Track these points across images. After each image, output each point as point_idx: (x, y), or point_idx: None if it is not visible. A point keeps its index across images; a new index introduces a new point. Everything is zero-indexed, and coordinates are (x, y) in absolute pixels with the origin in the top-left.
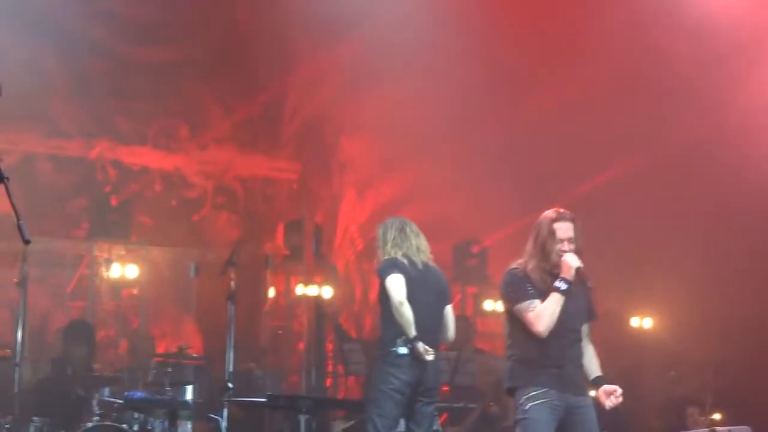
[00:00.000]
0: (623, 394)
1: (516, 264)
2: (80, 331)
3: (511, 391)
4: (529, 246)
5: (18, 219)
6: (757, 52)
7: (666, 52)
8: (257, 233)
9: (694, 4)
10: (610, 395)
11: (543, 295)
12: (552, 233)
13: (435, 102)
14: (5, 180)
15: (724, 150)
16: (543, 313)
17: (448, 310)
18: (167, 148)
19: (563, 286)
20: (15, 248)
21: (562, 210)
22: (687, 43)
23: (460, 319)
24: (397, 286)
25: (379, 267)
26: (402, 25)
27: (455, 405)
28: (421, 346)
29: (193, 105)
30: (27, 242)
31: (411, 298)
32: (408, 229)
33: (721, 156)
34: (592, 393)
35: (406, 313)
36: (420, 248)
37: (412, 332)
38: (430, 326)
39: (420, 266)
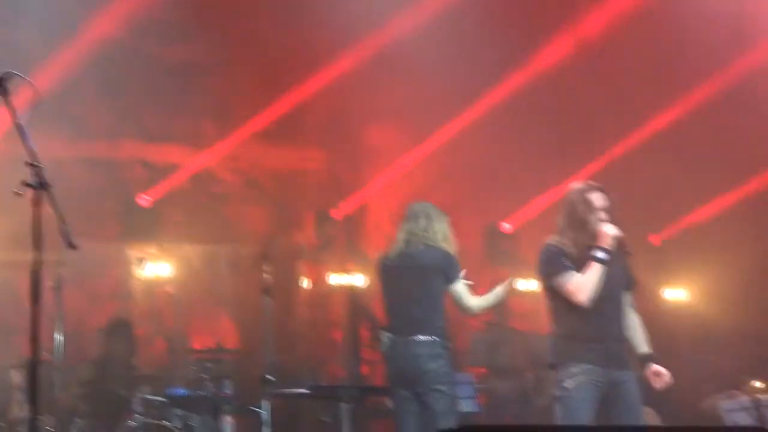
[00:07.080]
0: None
1: (550, 240)
2: (119, 329)
3: (554, 367)
4: (562, 221)
5: (63, 224)
6: None
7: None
8: (288, 225)
9: None
10: (659, 376)
11: (580, 268)
12: (588, 203)
13: (460, 88)
14: (48, 187)
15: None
16: (584, 283)
17: None
18: (194, 144)
19: (603, 255)
20: (49, 254)
21: (588, 181)
22: None
23: None
24: None
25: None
26: (427, 17)
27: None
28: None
29: (218, 102)
30: (73, 247)
31: None
32: None
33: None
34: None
35: None
36: None
37: None
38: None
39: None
